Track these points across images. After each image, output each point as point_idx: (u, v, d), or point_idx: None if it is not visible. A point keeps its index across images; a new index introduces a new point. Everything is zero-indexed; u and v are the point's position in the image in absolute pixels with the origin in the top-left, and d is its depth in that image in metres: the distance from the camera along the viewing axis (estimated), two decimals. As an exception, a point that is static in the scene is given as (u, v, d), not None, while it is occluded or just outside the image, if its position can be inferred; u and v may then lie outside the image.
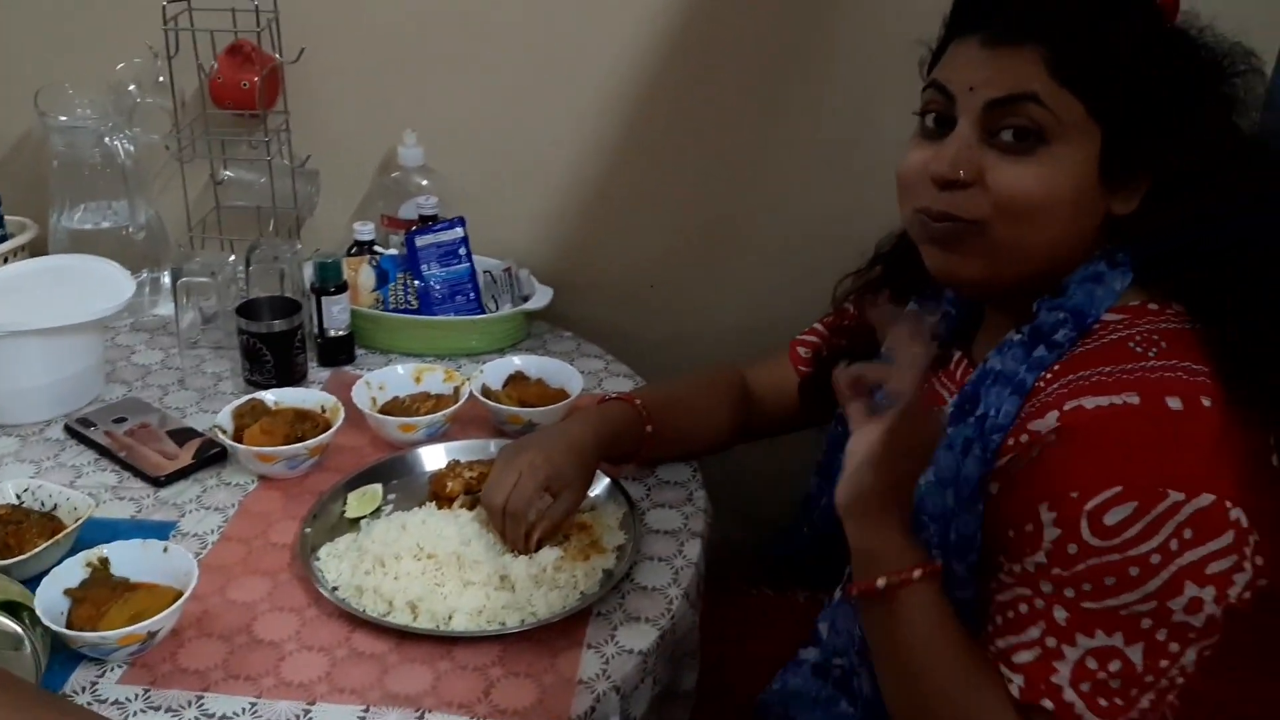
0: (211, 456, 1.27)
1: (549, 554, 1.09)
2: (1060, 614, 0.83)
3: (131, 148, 1.55)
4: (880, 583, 0.85)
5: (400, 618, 1.03)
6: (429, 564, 1.07)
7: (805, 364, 1.25)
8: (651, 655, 1.02)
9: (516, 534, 1.08)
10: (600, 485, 1.22)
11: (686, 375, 1.30)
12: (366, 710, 0.94)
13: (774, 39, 1.51)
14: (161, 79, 1.53)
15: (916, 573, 0.85)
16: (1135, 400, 0.82)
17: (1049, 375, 0.88)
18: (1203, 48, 0.90)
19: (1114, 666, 0.81)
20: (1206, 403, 0.82)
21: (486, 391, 1.36)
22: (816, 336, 1.26)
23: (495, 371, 1.40)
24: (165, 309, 1.61)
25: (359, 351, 1.52)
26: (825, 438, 1.17)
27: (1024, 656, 0.84)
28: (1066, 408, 0.84)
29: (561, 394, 1.36)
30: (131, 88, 1.54)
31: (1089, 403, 0.83)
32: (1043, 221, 0.88)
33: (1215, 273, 0.88)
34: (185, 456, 1.26)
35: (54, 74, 1.57)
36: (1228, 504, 0.78)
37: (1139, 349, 0.86)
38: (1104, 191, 0.89)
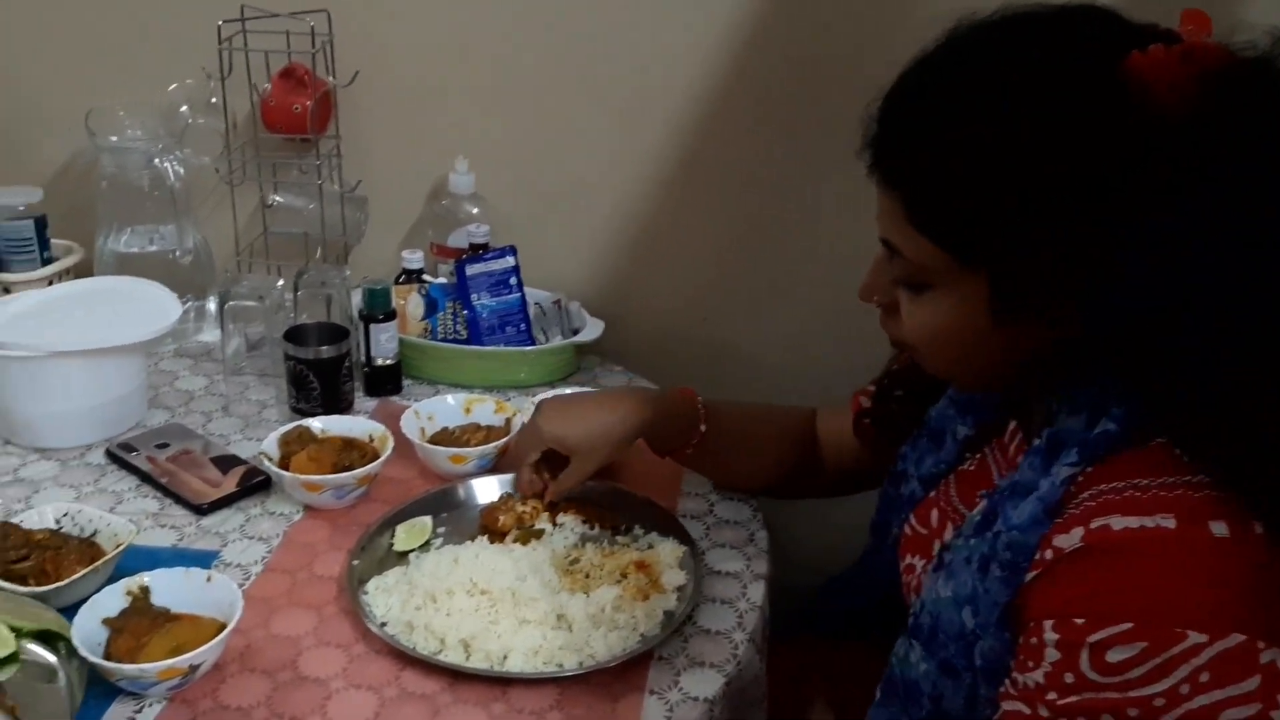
0: (256, 485, 1.22)
1: (607, 593, 1.04)
2: None
3: (181, 170, 1.53)
4: None
5: (453, 656, 0.98)
6: (482, 600, 1.02)
7: (864, 409, 1.19)
8: (718, 704, 0.96)
9: (524, 481, 1.17)
10: (657, 522, 1.17)
11: (757, 404, 1.26)
12: (418, 755, 0.89)
13: (829, 69, 1.47)
14: (214, 100, 1.51)
15: None
16: (1170, 524, 0.72)
17: (1081, 479, 0.78)
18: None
19: None
20: (1259, 529, 0.71)
21: (538, 424, 1.31)
22: (876, 384, 1.20)
23: (547, 403, 1.35)
24: (209, 335, 1.58)
25: (405, 381, 1.48)
26: (879, 495, 1.12)
27: None
28: (1093, 525, 0.74)
29: (615, 427, 1.31)
30: (183, 109, 1.52)
31: (1117, 523, 0.73)
32: (954, 356, 0.84)
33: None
34: (229, 484, 1.22)
35: (105, 95, 1.56)
36: (1260, 645, 0.69)
37: (1186, 457, 0.75)
38: (1021, 326, 0.79)
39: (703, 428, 1.17)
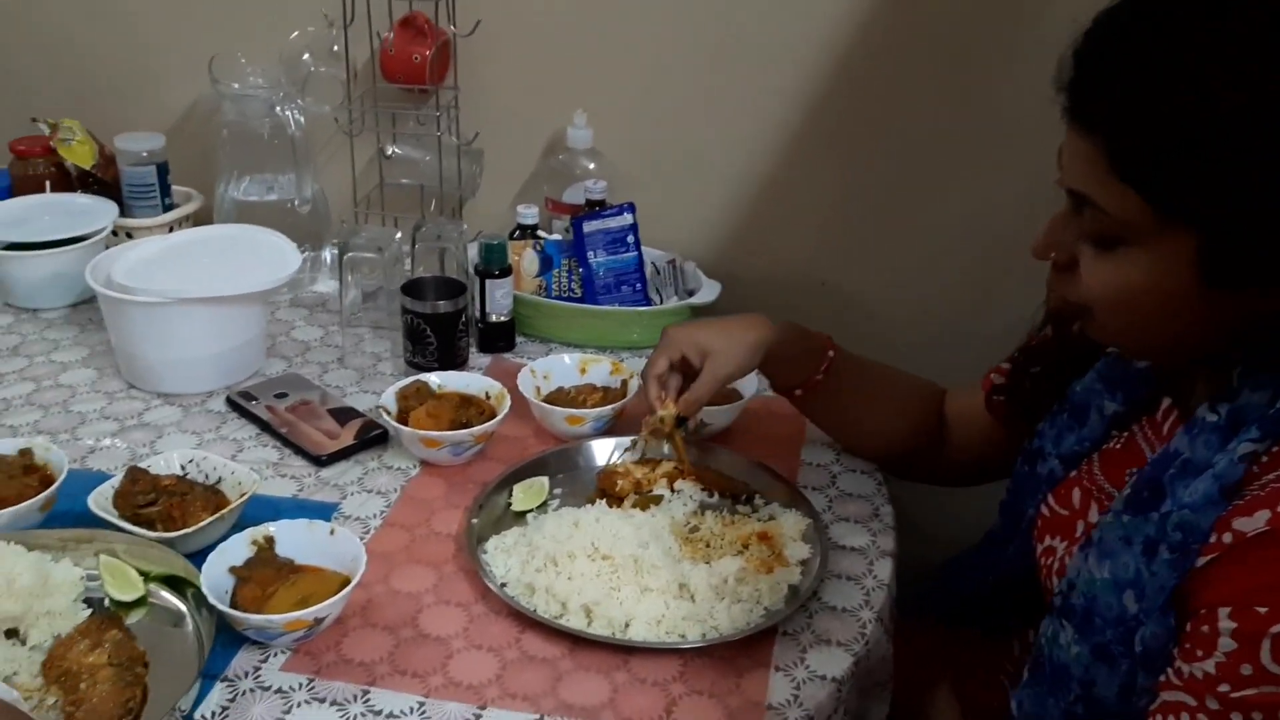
0: (373, 438, 1.22)
1: (730, 564, 1.01)
2: None
3: (301, 119, 1.52)
4: None
5: (575, 621, 0.96)
6: (604, 565, 1.00)
7: (997, 386, 1.14)
8: (845, 684, 0.93)
9: (653, 395, 1.10)
10: (778, 493, 1.14)
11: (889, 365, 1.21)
12: (541, 720, 0.87)
13: (960, 29, 1.41)
14: (336, 48, 1.50)
15: None
16: None
17: (1265, 459, 0.74)
18: None
19: None
20: None
21: (655, 386, 1.28)
22: (1010, 362, 1.13)
23: (664, 366, 1.32)
24: (323, 285, 1.58)
25: (517, 339, 1.46)
26: (1011, 477, 1.07)
27: None
28: None
29: (734, 393, 1.27)
30: (305, 56, 1.51)
31: None
32: (1138, 320, 0.78)
33: None
34: (347, 437, 1.22)
35: (227, 42, 1.56)
36: None
37: None
38: (1226, 290, 0.73)
39: (830, 354, 1.12)
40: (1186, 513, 0.74)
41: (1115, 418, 0.94)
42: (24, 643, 0.91)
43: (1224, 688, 0.70)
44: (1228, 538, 0.72)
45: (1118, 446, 0.93)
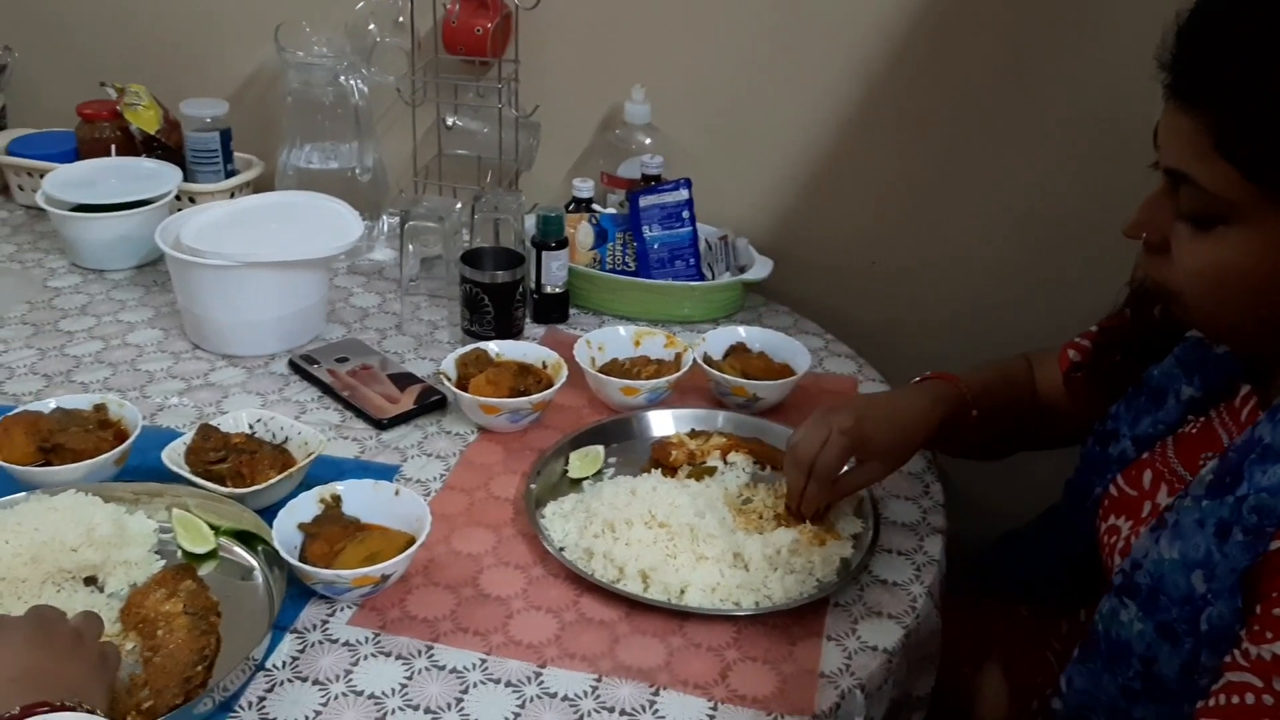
0: (432, 403, 1.24)
1: (784, 536, 1.03)
2: None
3: (365, 88, 1.54)
4: None
5: (631, 586, 0.98)
6: (661, 533, 1.02)
7: (1074, 364, 1.13)
8: (896, 655, 0.95)
9: (814, 495, 1.02)
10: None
11: (987, 362, 1.18)
12: (599, 680, 0.90)
13: (1020, 10, 1.40)
14: (401, 19, 1.52)
15: None
16: None
17: None
18: None
19: None
20: None
21: (708, 360, 1.30)
22: (1089, 339, 1.13)
23: (717, 341, 1.34)
24: (380, 254, 1.61)
25: (571, 310, 1.48)
26: (1080, 454, 1.07)
27: None
28: None
29: (786, 370, 1.29)
30: (371, 26, 1.53)
31: None
32: (1232, 301, 0.78)
33: None
34: (407, 401, 1.25)
35: (292, 10, 1.58)
36: None
37: None
38: None
39: (975, 412, 1.09)
40: (1264, 496, 0.75)
41: (1192, 403, 0.94)
42: (102, 590, 0.95)
43: None
44: None
45: (1193, 431, 0.93)
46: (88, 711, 0.71)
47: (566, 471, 1.15)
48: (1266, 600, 0.73)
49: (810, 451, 1.01)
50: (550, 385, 1.22)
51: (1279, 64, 0.70)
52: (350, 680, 0.89)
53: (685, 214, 1.49)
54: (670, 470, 1.15)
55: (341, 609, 0.96)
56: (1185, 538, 0.80)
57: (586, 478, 1.14)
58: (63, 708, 0.70)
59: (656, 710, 0.87)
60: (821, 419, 1.02)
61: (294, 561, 0.93)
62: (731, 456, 1.17)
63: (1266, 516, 0.74)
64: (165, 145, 1.65)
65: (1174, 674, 0.80)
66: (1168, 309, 0.87)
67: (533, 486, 1.10)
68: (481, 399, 1.18)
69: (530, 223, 1.45)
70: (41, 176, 1.57)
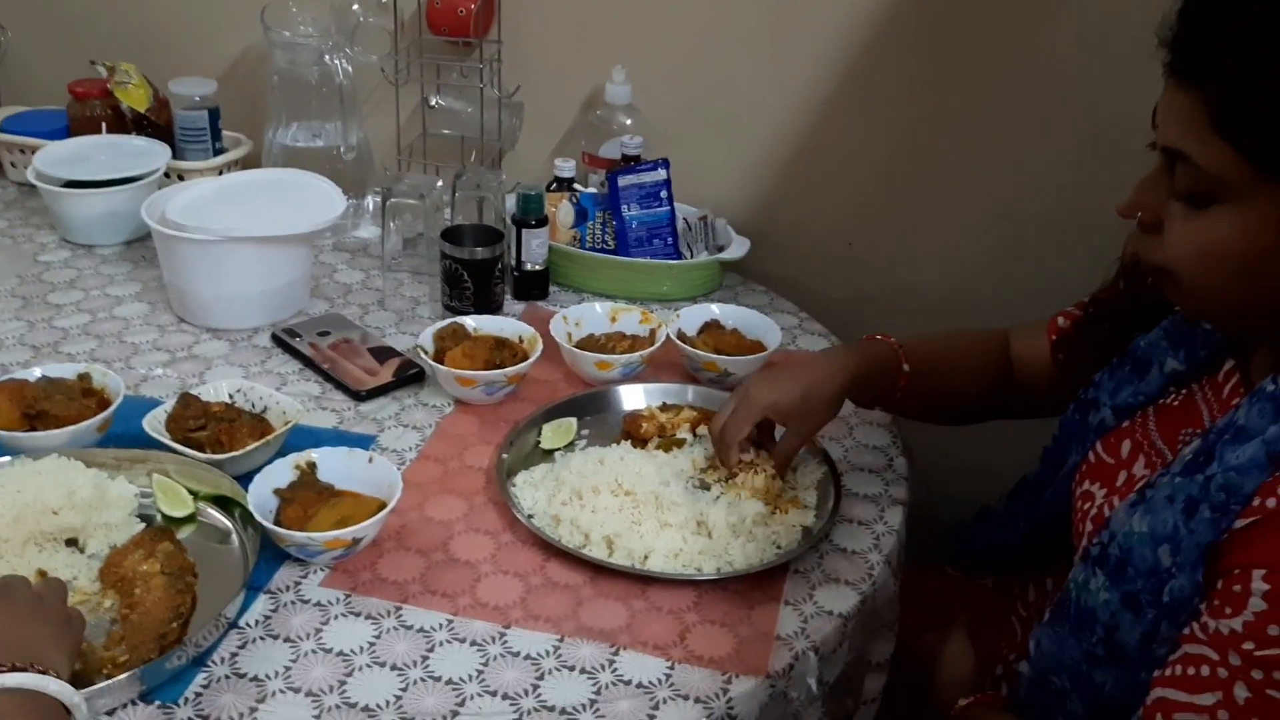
0: (410, 376, 1.27)
1: (748, 506, 1.06)
2: (1241, 692, 0.73)
3: (349, 68, 1.57)
4: None
5: (596, 552, 1.01)
6: (626, 501, 1.05)
7: (1063, 332, 1.15)
8: (851, 619, 0.98)
9: (723, 460, 1.08)
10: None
11: (947, 331, 1.21)
12: (561, 640, 0.93)
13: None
14: (384, 0, 1.54)
15: None
16: None
17: None
18: None
19: None
20: None
21: (682, 336, 1.33)
22: (1080, 309, 1.14)
23: (691, 317, 1.36)
24: (365, 231, 1.64)
25: (551, 288, 1.51)
26: (1058, 423, 1.09)
27: (1186, 718, 0.75)
28: None
29: (758, 346, 1.32)
30: (355, 6, 1.56)
31: None
32: (1225, 281, 0.79)
33: None
34: (385, 374, 1.27)
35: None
36: None
37: None
38: None
39: (906, 367, 1.11)
40: (1232, 474, 0.76)
41: (1175, 375, 0.95)
42: (83, 551, 0.98)
43: (1248, 645, 0.72)
44: (1271, 503, 0.74)
45: (1175, 403, 0.94)
46: (39, 672, 0.73)
47: (539, 443, 1.18)
48: (1229, 576, 0.75)
49: (719, 421, 1.08)
50: (526, 359, 1.25)
51: (1276, 43, 0.71)
52: (320, 638, 0.92)
53: (663, 194, 1.52)
54: (640, 442, 1.18)
55: (315, 571, 0.99)
56: (1155, 513, 0.81)
57: (559, 449, 1.17)
58: (14, 669, 0.72)
59: (615, 669, 0.90)
60: (740, 389, 1.08)
61: (268, 524, 0.96)
62: (701, 429, 1.19)
63: (1234, 494, 0.76)
64: (155, 123, 1.68)
65: (1134, 642, 0.82)
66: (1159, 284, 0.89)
67: (505, 456, 1.13)
68: (457, 371, 1.21)
69: (511, 201, 1.48)
70: (33, 153, 1.60)
